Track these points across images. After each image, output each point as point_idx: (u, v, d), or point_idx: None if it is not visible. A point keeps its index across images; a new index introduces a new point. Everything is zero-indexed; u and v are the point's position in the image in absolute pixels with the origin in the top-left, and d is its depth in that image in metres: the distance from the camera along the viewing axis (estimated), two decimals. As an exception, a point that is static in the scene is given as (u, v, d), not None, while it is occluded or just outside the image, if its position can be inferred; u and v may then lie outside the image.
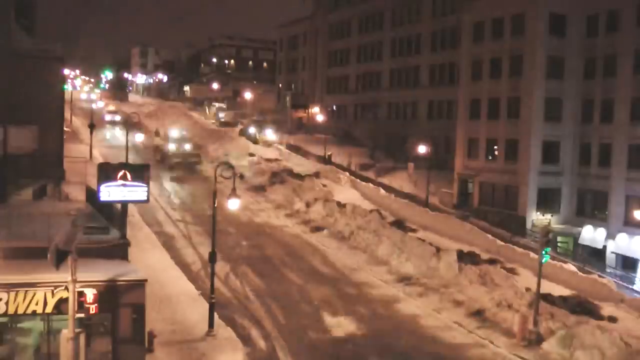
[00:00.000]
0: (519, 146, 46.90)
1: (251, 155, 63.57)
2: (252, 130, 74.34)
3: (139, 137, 64.55)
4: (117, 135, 75.17)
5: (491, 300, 28.92)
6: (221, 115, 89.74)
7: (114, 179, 20.49)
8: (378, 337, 25.59)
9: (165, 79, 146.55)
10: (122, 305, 18.56)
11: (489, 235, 40.05)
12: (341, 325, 26.50)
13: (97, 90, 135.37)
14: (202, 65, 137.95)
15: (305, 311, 27.96)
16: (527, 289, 29.01)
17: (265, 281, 31.52)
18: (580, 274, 33.77)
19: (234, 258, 34.59)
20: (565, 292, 31.26)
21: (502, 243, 38.90)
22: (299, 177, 53.80)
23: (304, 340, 24.80)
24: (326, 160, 62.40)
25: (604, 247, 42.82)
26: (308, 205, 45.56)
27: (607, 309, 28.73)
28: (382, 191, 51.20)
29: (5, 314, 17.51)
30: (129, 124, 56.60)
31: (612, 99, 43.88)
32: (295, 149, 69.25)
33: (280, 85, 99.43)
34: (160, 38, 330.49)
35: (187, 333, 23.93)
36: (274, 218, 44.89)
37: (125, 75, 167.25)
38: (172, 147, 60.60)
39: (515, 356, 24.69)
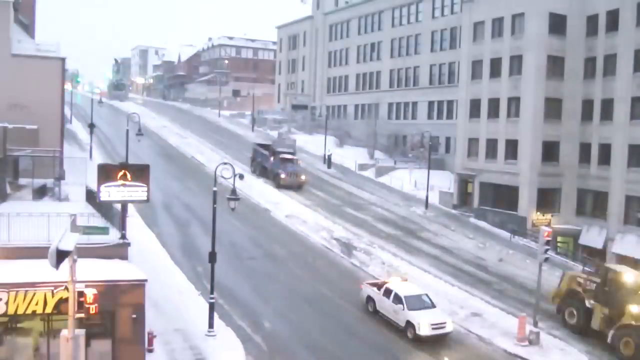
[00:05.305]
0: (519, 146, 46.85)
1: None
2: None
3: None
4: None
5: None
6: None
7: (114, 179, 20.43)
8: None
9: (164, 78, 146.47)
10: (122, 305, 18.56)
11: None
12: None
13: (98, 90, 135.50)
14: (202, 65, 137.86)
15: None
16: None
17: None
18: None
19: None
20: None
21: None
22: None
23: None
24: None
25: (604, 247, 42.74)
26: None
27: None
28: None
29: (5, 314, 17.49)
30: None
31: (612, 99, 43.81)
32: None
33: (280, 85, 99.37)
34: (160, 38, 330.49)
35: (187, 333, 23.91)
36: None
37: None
38: None
39: (515, 356, 24.69)
